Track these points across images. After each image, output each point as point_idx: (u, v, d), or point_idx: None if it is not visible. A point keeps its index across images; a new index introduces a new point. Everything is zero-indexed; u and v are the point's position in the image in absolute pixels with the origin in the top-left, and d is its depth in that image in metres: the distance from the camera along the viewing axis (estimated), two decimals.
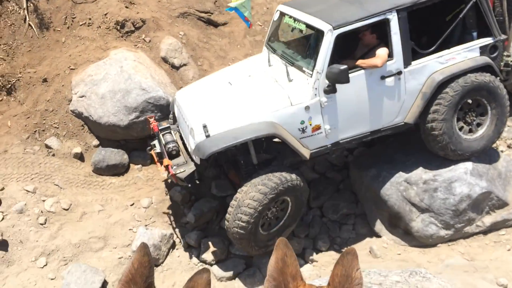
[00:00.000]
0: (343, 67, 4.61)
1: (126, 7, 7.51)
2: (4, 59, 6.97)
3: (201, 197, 6.20)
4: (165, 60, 7.30)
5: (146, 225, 5.78)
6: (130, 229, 5.73)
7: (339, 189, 6.45)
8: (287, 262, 1.15)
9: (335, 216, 6.08)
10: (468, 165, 5.51)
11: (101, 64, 6.82)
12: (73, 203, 5.91)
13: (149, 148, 5.75)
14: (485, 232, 5.61)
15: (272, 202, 4.91)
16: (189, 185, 5.31)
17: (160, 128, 5.63)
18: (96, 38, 7.24)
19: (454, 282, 4.67)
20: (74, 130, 6.70)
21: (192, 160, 5.16)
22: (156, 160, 5.54)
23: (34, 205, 5.71)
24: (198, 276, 1.12)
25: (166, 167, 5.14)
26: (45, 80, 6.95)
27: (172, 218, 6.01)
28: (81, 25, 7.38)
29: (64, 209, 5.80)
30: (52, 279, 5.13)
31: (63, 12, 7.40)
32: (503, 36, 5.34)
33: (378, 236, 5.86)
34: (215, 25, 8.24)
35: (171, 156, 5.28)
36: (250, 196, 4.80)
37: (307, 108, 4.89)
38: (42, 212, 5.68)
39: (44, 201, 5.80)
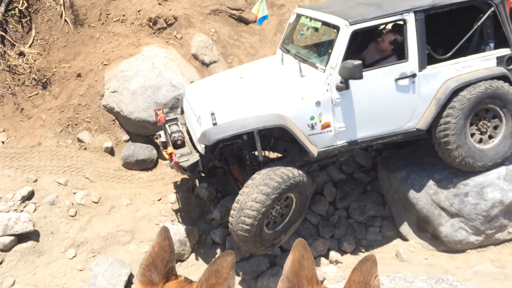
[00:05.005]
0: (357, 62, 4.59)
1: (159, 4, 7.60)
2: (41, 54, 7.16)
3: (227, 194, 6.24)
4: (195, 57, 7.35)
5: (172, 221, 5.85)
6: (156, 224, 5.81)
7: (366, 190, 6.36)
8: (304, 264, 1.12)
9: (361, 218, 6.00)
10: (502, 170, 5.34)
11: (133, 60, 6.94)
12: (103, 196, 6.03)
13: (155, 136, 5.77)
14: None
15: (275, 201, 4.79)
16: (190, 175, 5.25)
17: (167, 119, 5.60)
18: (129, 35, 7.36)
19: None
20: (105, 125, 6.84)
21: (198, 151, 5.10)
22: (161, 148, 5.57)
23: (65, 197, 5.86)
24: (222, 259, 1.06)
25: (170, 155, 5.10)
26: (79, 75, 7.12)
27: (198, 214, 6.06)
28: (115, 21, 7.51)
29: (94, 202, 5.93)
30: (80, 270, 5.26)
31: (98, 8, 7.55)
32: None
33: (405, 239, 5.75)
34: (246, 22, 8.25)
35: (176, 146, 5.22)
36: (252, 198, 4.66)
37: (317, 103, 4.83)
38: (72, 204, 5.82)
39: (75, 193, 5.94)
